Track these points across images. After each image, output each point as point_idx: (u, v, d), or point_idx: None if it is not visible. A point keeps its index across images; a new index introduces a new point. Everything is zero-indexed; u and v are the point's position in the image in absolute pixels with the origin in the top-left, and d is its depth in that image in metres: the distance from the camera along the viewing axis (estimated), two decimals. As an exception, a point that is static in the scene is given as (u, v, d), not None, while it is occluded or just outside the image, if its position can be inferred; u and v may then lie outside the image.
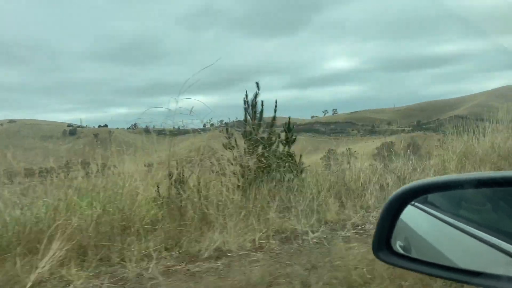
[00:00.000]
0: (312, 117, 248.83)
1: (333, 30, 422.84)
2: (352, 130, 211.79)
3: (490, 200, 1.48)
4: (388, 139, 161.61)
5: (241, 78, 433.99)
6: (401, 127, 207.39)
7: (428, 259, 1.50)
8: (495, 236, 1.30)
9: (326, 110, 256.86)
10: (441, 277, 1.49)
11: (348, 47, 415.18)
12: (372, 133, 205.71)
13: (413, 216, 1.64)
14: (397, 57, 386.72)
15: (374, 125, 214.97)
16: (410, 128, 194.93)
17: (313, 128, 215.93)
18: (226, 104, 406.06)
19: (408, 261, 1.54)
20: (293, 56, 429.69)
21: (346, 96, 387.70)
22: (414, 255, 1.59)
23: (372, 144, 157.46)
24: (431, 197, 1.65)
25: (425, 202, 1.66)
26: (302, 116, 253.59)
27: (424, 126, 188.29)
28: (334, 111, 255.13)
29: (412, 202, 1.59)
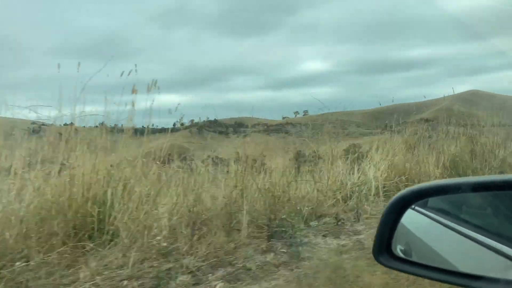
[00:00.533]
0: (284, 118, 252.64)
1: (307, 32, 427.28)
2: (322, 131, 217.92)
3: (491, 204, 1.48)
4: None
5: (216, 77, 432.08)
6: (369, 129, 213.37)
7: (428, 263, 1.49)
8: (496, 240, 1.30)
9: (297, 111, 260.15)
10: (441, 281, 1.43)
11: (321, 50, 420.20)
12: (340, 135, 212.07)
13: (413, 220, 1.62)
14: (369, 60, 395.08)
15: (344, 127, 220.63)
16: (379, 131, 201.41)
17: (285, 129, 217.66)
18: (201, 103, 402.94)
19: (408, 265, 1.54)
20: (267, 57, 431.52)
21: (320, 98, 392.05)
22: (414, 259, 1.60)
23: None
24: (431, 201, 1.64)
25: (425, 206, 1.66)
26: (276, 117, 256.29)
27: (391, 129, 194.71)
28: (305, 112, 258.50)
29: (413, 206, 1.59)
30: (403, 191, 1.57)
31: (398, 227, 1.55)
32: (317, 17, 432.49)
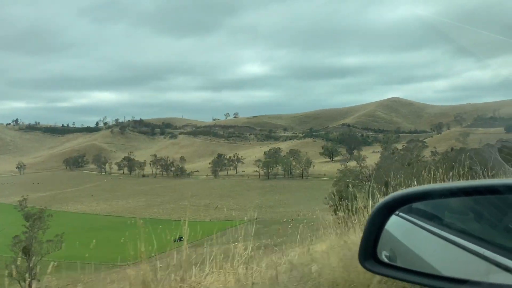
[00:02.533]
0: (214, 119, 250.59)
1: (246, 35, 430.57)
2: (250, 134, 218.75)
3: (473, 209, 1.56)
4: (280, 145, 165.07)
5: (155, 76, 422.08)
6: (295, 133, 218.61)
7: (413, 267, 1.57)
8: (478, 244, 1.37)
9: (228, 113, 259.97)
10: (426, 285, 1.54)
11: (260, 53, 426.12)
12: (268, 138, 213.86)
13: (397, 225, 1.71)
14: (307, 66, 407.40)
15: (271, 130, 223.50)
16: (303, 135, 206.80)
17: (212, 131, 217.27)
18: (137, 102, 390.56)
19: (394, 270, 1.63)
20: (206, 57, 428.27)
21: (259, 101, 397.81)
22: (399, 264, 1.66)
23: (263, 149, 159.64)
24: (415, 206, 1.71)
25: (409, 212, 1.73)
26: (209, 118, 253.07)
27: (314, 134, 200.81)
28: (236, 114, 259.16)
29: (397, 212, 1.68)
30: (387, 197, 1.67)
31: (383, 233, 1.64)
32: (256, 20, 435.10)
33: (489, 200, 1.46)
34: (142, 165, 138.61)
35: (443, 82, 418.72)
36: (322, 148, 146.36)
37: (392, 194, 1.68)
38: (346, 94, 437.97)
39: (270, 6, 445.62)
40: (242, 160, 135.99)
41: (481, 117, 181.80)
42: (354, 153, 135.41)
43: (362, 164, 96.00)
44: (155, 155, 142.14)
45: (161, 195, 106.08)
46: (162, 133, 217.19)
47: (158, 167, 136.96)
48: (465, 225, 1.58)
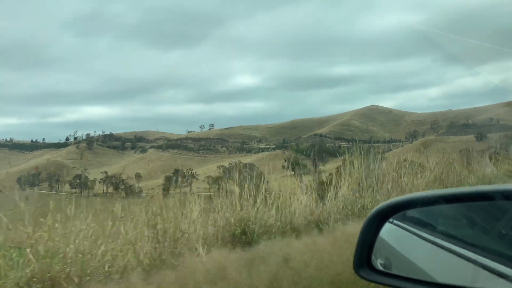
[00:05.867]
0: (189, 132, 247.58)
1: (235, 46, 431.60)
2: (221, 147, 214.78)
3: (466, 215, 1.60)
4: (249, 158, 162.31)
5: (144, 89, 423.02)
6: (269, 145, 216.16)
7: (408, 275, 1.60)
8: (471, 251, 1.41)
9: (203, 125, 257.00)
10: None
11: (250, 64, 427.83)
12: (240, 150, 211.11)
13: (392, 233, 1.73)
14: (297, 76, 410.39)
15: (244, 142, 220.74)
16: (274, 146, 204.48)
17: (183, 144, 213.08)
18: (129, 116, 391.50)
19: (389, 277, 1.64)
20: (195, 70, 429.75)
21: (251, 112, 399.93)
22: (394, 271, 1.68)
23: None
24: (409, 213, 1.74)
25: (403, 219, 1.76)
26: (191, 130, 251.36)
27: (285, 145, 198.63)
28: (211, 126, 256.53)
29: (391, 220, 1.71)
30: (380, 205, 1.69)
31: (377, 241, 1.66)
32: (244, 31, 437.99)
33: (482, 206, 1.51)
34: (92, 183, 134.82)
35: (436, 90, 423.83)
36: (285, 160, 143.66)
37: (386, 202, 1.72)
38: (337, 103, 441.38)
39: (256, 16, 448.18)
40: (196, 176, 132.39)
41: (454, 124, 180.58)
42: (319, 166, 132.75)
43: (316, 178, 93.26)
44: (105, 172, 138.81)
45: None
46: (133, 147, 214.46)
47: (109, 185, 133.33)
48: (459, 231, 1.64)
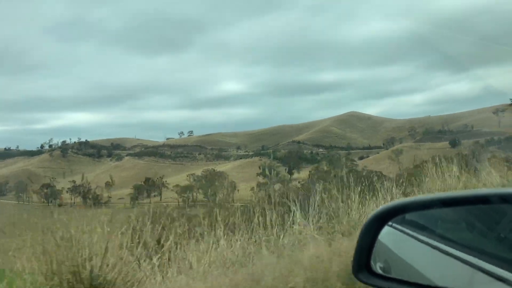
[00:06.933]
0: (168, 139, 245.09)
1: (220, 52, 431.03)
2: (199, 154, 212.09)
3: (465, 218, 1.60)
4: (225, 166, 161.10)
5: (128, 95, 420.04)
6: (248, 152, 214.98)
7: (407, 278, 1.60)
8: (471, 254, 1.41)
9: (182, 132, 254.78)
10: None
11: (236, 70, 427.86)
12: (218, 158, 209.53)
13: (391, 236, 1.74)
14: (284, 83, 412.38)
15: (222, 149, 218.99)
16: (251, 153, 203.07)
17: (159, 151, 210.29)
18: (112, 122, 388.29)
19: (388, 281, 1.66)
20: (181, 76, 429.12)
21: (237, 118, 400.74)
22: (393, 275, 1.70)
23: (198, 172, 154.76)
24: (408, 217, 1.74)
25: (402, 223, 1.76)
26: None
27: (262, 152, 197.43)
28: (190, 132, 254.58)
29: (390, 223, 1.71)
30: (379, 208, 1.71)
31: (376, 244, 1.66)
32: (229, 38, 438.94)
33: (481, 210, 1.51)
34: (59, 193, 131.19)
35: (420, 96, 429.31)
36: (259, 168, 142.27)
37: (385, 205, 1.74)
38: (324, 110, 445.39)
39: (241, 23, 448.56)
40: (167, 185, 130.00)
41: (429, 131, 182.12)
42: (294, 173, 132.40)
43: (287, 186, 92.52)
44: (73, 181, 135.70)
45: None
46: (109, 155, 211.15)
47: (77, 195, 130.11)
48: (458, 235, 1.65)
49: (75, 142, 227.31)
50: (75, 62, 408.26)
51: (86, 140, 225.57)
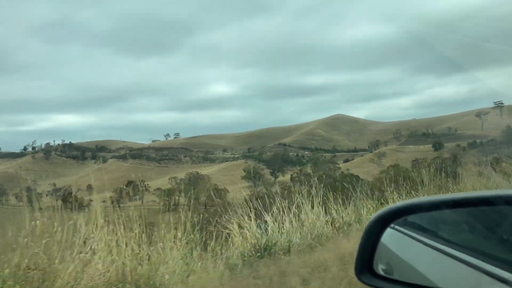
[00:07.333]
0: (153, 141, 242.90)
1: (209, 54, 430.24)
2: (185, 156, 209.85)
3: (467, 220, 1.61)
4: (211, 169, 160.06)
5: (116, 97, 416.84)
6: (234, 154, 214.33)
7: (409, 280, 1.61)
8: (472, 256, 1.42)
9: (168, 134, 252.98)
10: None
11: (225, 73, 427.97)
12: (204, 160, 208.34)
13: (393, 238, 1.74)
14: (273, 85, 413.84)
15: (209, 152, 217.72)
16: (237, 156, 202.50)
17: (144, 154, 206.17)
18: (100, 124, 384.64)
19: (390, 283, 1.66)
20: (169, 78, 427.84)
21: (227, 121, 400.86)
22: (396, 277, 1.69)
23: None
24: (410, 219, 1.75)
25: (404, 225, 1.76)
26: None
27: (248, 154, 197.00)
28: (176, 135, 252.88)
29: (392, 225, 1.72)
30: (382, 210, 1.71)
31: (378, 246, 1.67)
32: (218, 40, 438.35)
33: (483, 212, 1.51)
34: (39, 196, 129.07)
35: (407, 100, 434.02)
36: (244, 170, 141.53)
37: (387, 207, 1.74)
38: (312, 112, 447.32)
39: (229, 25, 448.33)
40: (149, 189, 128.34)
41: (413, 134, 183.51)
42: (278, 176, 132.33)
43: (269, 189, 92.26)
44: (54, 184, 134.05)
45: None
46: (94, 157, 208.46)
47: (57, 198, 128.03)
48: (460, 236, 1.65)
49: (58, 144, 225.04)
50: (61, 63, 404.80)
51: (70, 142, 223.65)
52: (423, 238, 1.70)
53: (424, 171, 9.70)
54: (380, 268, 1.71)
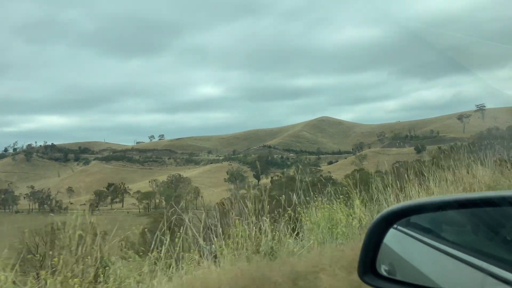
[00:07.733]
0: (137, 142, 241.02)
1: (195, 56, 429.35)
2: (169, 158, 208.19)
3: (470, 221, 1.61)
4: (195, 171, 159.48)
5: (101, 98, 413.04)
6: (219, 156, 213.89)
7: (412, 281, 1.61)
8: (476, 257, 1.41)
9: (153, 136, 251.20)
10: None
11: (212, 75, 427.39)
12: (189, 162, 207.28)
13: (396, 239, 1.74)
14: (260, 87, 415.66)
15: (193, 154, 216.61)
16: (222, 158, 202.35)
17: (127, 155, 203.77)
18: (85, 125, 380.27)
19: (393, 283, 1.66)
20: (156, 79, 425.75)
21: (214, 123, 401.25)
22: (399, 278, 1.70)
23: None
24: (413, 220, 1.75)
25: (407, 225, 1.76)
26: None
27: (232, 156, 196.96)
28: (161, 136, 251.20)
29: (395, 226, 1.71)
30: (384, 211, 1.71)
31: (381, 247, 1.67)
32: (205, 42, 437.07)
33: (486, 213, 1.51)
34: (16, 199, 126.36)
35: (393, 102, 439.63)
36: (227, 173, 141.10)
37: (390, 208, 1.74)
38: (299, 115, 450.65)
39: (216, 27, 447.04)
40: (129, 191, 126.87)
41: (397, 136, 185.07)
42: (262, 178, 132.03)
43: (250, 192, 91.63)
44: (32, 187, 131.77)
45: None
46: (76, 159, 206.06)
47: (35, 201, 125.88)
48: (463, 237, 1.65)
49: (40, 145, 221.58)
50: (46, 64, 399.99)
51: (52, 143, 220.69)
52: (426, 239, 1.70)
53: (385, 177, 9.58)
54: (383, 269, 1.71)
